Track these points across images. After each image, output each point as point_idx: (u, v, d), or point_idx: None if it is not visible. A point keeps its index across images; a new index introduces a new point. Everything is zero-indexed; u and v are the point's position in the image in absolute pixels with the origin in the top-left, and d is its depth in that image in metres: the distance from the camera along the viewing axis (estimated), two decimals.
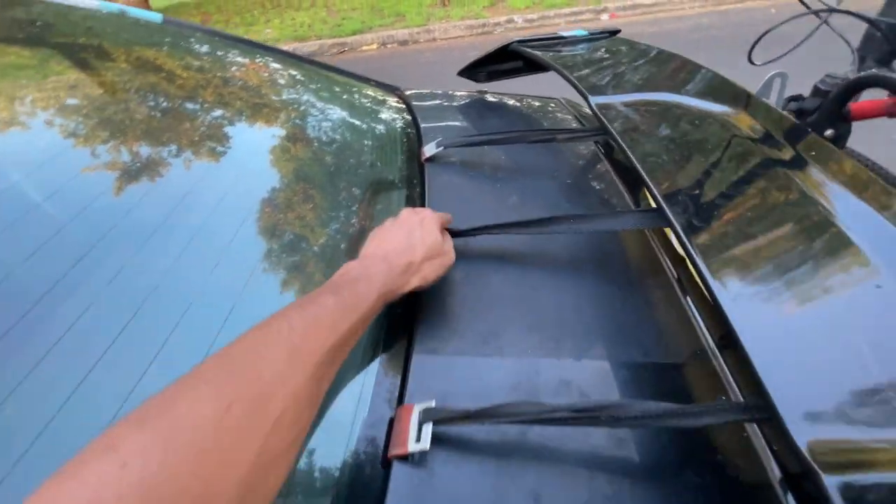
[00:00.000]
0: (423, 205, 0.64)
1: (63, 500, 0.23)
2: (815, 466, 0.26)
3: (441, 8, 7.00)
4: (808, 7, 0.76)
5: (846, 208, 0.42)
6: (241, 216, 0.55)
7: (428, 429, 0.38)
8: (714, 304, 0.36)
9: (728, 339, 0.42)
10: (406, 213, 0.52)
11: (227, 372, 0.30)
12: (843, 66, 0.78)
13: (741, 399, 0.40)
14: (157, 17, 0.85)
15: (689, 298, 0.48)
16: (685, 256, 0.41)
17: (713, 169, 0.48)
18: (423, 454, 0.37)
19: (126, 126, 0.60)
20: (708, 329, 0.45)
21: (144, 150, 0.58)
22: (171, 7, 9.90)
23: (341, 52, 6.10)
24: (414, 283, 0.47)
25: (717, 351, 0.43)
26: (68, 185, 0.50)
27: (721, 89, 0.62)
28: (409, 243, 0.48)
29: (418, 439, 0.37)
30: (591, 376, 0.42)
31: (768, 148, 0.49)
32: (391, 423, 0.40)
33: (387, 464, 0.37)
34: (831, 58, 0.91)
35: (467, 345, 0.46)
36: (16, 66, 0.66)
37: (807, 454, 0.26)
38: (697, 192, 0.46)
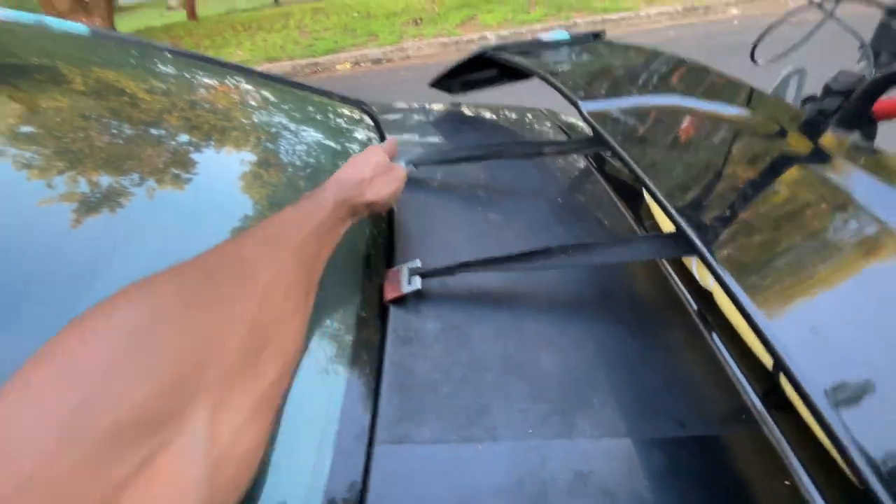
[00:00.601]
0: (391, 243, 0.54)
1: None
2: None
3: (414, 26, 7.02)
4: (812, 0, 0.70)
5: None
6: (201, 226, 0.45)
7: (416, 279, 0.45)
8: (764, 344, 0.27)
9: (780, 396, 0.33)
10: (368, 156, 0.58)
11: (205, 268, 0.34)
12: (844, 65, 0.72)
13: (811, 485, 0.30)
14: (83, 28, 0.74)
15: (718, 339, 0.39)
16: (717, 286, 0.33)
17: (738, 181, 0.40)
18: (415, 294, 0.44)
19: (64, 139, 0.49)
20: (748, 380, 0.36)
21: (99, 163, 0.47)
22: (138, 31, 9.73)
23: (314, 72, 6.03)
24: (369, 195, 0.51)
25: (764, 411, 0.34)
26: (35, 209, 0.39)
27: (732, 90, 0.54)
28: (355, 165, 0.54)
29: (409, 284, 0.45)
30: (612, 462, 0.32)
31: (800, 154, 0.41)
32: (382, 283, 0.48)
33: (384, 311, 0.43)
34: (824, 58, 0.85)
35: (446, 429, 0.36)
36: None
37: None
38: (723, 210, 0.37)
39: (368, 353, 0.39)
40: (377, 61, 6.11)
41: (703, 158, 0.44)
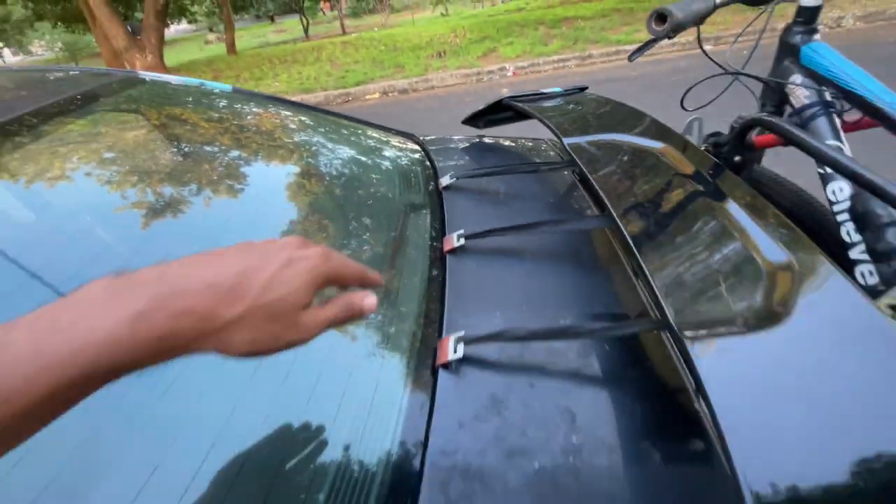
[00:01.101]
0: (442, 222, 0.83)
1: None
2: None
3: (438, 59, 7.49)
4: (724, 69, 1.00)
5: (730, 217, 0.62)
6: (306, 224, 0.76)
7: (460, 346, 0.54)
8: (644, 279, 0.54)
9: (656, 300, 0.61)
10: (276, 241, 0.36)
11: None
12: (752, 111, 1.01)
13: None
14: (227, 87, 1.09)
15: (636, 276, 0.68)
16: (629, 247, 0.61)
17: (647, 187, 0.69)
18: (458, 361, 0.54)
19: (200, 166, 0.82)
20: (644, 292, 0.64)
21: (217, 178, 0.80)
22: (182, 65, 10.53)
23: (346, 102, 6.52)
24: (215, 342, 0.30)
25: (653, 306, 0.62)
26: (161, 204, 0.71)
27: (656, 130, 0.84)
28: (238, 274, 0.31)
29: (455, 352, 0.54)
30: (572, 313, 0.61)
31: (684, 174, 0.70)
32: (435, 350, 0.56)
33: (435, 372, 0.54)
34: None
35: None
36: (120, 121, 0.89)
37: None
38: (635, 201, 0.66)
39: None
40: (404, 91, 6.56)
41: (629, 174, 0.73)
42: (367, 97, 6.58)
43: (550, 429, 0.47)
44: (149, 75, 1.08)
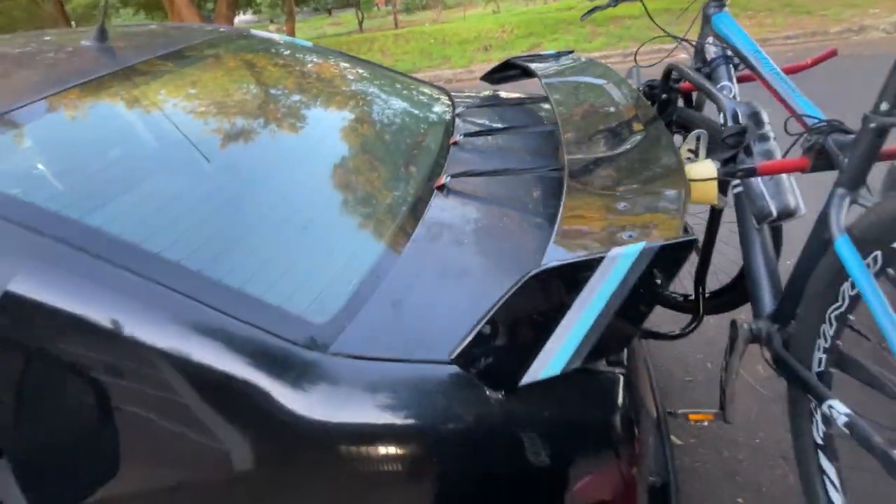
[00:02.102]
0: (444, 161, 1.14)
1: None
2: None
3: (483, 52, 7.82)
4: (667, 34, 1.29)
5: (633, 129, 0.94)
6: (340, 152, 1.12)
7: (447, 178, 0.91)
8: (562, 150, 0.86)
9: None
10: None
11: None
12: None
13: None
14: (308, 43, 1.48)
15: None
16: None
17: (590, 109, 1.01)
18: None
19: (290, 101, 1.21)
20: None
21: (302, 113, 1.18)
22: None
23: None
24: None
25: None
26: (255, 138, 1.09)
27: (609, 76, 1.15)
28: None
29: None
30: None
31: (619, 104, 1.01)
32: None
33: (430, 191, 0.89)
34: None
35: None
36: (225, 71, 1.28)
37: None
38: (580, 122, 0.98)
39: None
40: (448, 81, 6.93)
41: (588, 103, 1.04)
42: None
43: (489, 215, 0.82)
44: (252, 31, 1.49)
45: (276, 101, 1.18)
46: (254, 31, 1.49)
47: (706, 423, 1.04)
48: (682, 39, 1.22)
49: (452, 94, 1.51)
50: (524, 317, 0.56)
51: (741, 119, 0.92)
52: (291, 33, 12.21)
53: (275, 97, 1.20)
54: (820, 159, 0.78)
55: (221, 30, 1.43)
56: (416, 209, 0.88)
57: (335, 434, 0.57)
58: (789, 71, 1.08)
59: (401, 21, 17.95)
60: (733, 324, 0.95)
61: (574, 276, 0.55)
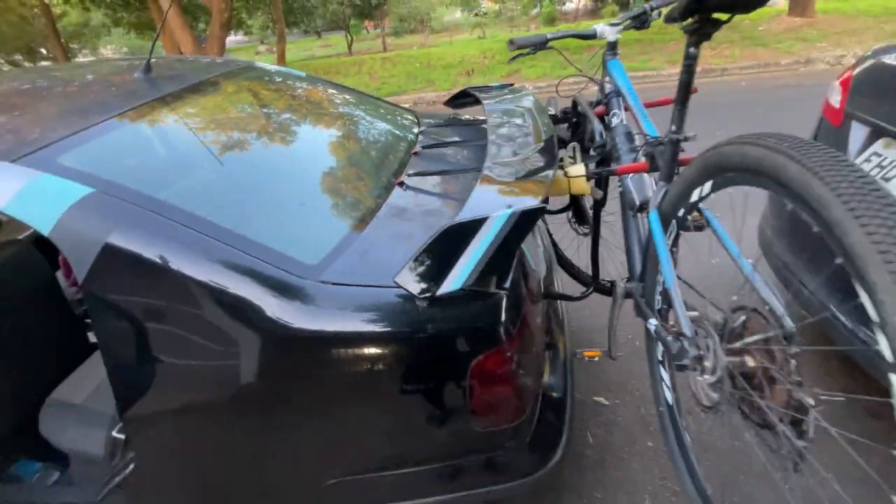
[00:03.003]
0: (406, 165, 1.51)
1: None
2: None
3: (466, 76, 8.31)
4: (581, 72, 1.68)
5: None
6: (328, 154, 1.48)
7: (406, 178, 1.29)
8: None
9: None
10: None
11: None
12: None
13: None
14: (303, 74, 1.84)
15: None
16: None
17: (511, 133, 1.37)
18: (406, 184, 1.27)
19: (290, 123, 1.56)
20: None
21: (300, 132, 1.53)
22: None
23: None
24: None
25: None
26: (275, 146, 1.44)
27: (532, 104, 1.52)
28: None
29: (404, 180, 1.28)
30: None
31: (537, 124, 1.37)
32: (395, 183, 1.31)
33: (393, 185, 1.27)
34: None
35: None
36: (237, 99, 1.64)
37: None
38: (502, 139, 1.34)
39: None
40: (432, 103, 7.38)
41: (511, 128, 1.41)
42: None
43: (431, 199, 1.17)
44: (257, 63, 1.85)
45: (279, 116, 1.54)
46: (258, 63, 1.85)
47: (596, 359, 1.35)
48: (591, 78, 1.61)
49: (420, 115, 1.89)
50: (439, 253, 0.91)
51: (618, 136, 1.31)
52: (282, 55, 12.60)
53: (276, 113, 1.56)
54: (652, 163, 1.15)
55: (232, 63, 1.79)
56: (382, 196, 1.23)
57: (321, 334, 0.91)
58: (650, 105, 1.47)
59: (389, 44, 18.60)
60: (613, 284, 1.30)
61: (470, 229, 0.90)
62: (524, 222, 0.90)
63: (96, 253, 0.91)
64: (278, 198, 1.18)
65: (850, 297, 0.62)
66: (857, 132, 1.71)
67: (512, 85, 1.82)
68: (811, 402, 0.76)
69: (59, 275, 1.82)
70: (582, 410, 1.89)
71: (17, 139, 1.05)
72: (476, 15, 19.89)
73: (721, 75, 7.27)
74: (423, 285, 0.90)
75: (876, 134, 1.62)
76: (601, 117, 1.63)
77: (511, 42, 1.51)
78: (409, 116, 1.84)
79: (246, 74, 1.70)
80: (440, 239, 0.90)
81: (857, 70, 1.79)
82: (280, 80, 1.79)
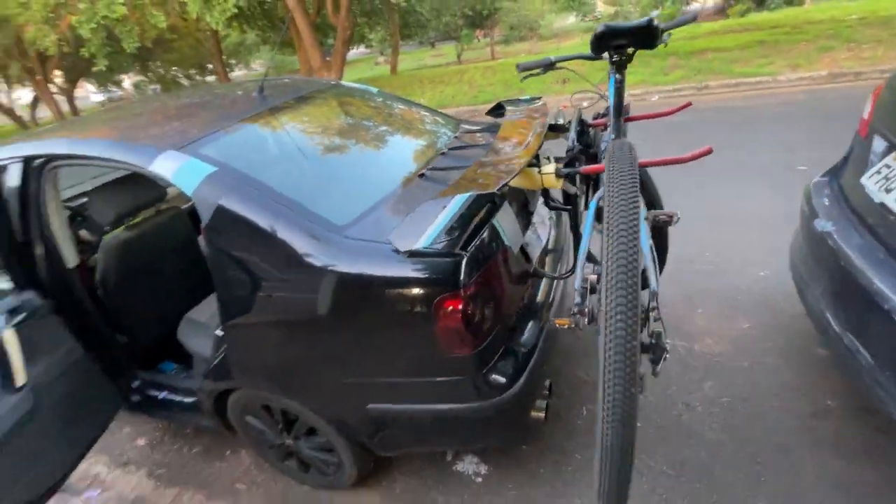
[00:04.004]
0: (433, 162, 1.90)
1: None
2: None
3: (560, 84, 8.47)
4: (596, 92, 1.92)
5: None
6: (374, 153, 1.94)
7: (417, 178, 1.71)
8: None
9: None
10: None
11: None
12: None
13: None
14: (374, 90, 2.35)
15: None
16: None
17: (512, 136, 1.70)
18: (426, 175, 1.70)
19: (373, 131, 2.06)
20: None
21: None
22: (356, 80, 13.07)
23: (472, 116, 7.86)
24: None
25: None
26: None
27: (542, 114, 1.83)
28: None
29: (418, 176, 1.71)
30: None
31: (527, 132, 1.68)
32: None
33: (415, 177, 1.71)
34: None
35: None
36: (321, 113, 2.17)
37: None
38: (503, 142, 1.68)
39: None
40: None
41: (515, 133, 1.74)
42: (487, 114, 7.85)
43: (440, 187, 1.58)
44: (342, 82, 2.40)
45: (345, 122, 2.07)
46: (343, 83, 2.39)
47: (566, 327, 1.57)
48: (601, 95, 1.89)
49: (463, 122, 2.29)
50: (417, 221, 1.32)
51: (603, 146, 1.60)
52: (394, 66, 13.71)
53: (344, 119, 2.09)
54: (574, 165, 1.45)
55: (322, 82, 2.35)
56: (404, 184, 1.68)
57: (341, 272, 1.36)
58: (630, 119, 1.71)
59: (498, 52, 19.11)
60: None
61: (440, 206, 1.29)
62: (479, 204, 1.27)
63: (213, 210, 1.45)
64: (331, 180, 1.69)
65: None
66: (878, 144, 1.77)
67: (539, 98, 2.14)
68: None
69: (200, 239, 2.53)
70: (582, 389, 2.14)
71: (181, 136, 1.65)
72: (589, 20, 19.61)
73: (854, 80, 6.51)
74: (403, 242, 1.30)
75: (891, 148, 1.69)
76: (600, 128, 1.90)
77: (519, 66, 1.84)
78: (451, 123, 2.27)
79: (330, 91, 2.25)
80: (418, 212, 1.32)
81: (886, 85, 1.82)
82: (355, 95, 2.32)
